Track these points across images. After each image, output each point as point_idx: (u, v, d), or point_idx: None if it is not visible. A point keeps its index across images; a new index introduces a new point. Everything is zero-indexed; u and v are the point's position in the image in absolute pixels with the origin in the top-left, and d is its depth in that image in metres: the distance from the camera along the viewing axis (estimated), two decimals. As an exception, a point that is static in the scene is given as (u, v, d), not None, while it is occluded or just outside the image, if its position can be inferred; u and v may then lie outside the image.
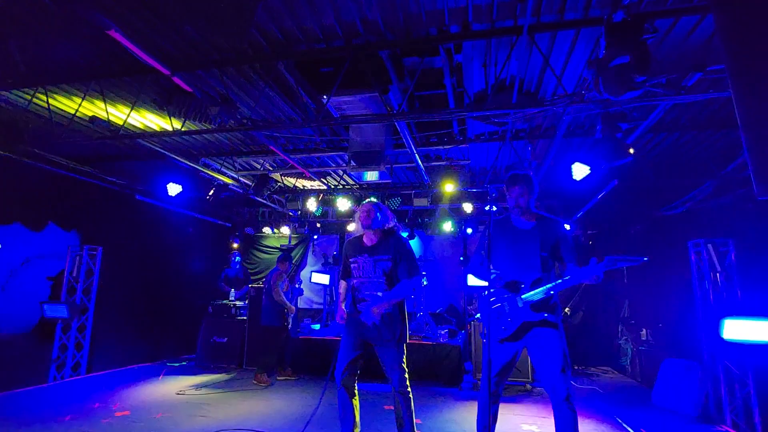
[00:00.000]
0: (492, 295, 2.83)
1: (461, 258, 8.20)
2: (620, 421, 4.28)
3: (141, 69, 3.90)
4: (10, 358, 5.44)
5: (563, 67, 3.58)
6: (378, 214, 3.10)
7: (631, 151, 2.92)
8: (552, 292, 2.69)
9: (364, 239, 3.19)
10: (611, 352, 7.54)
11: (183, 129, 4.25)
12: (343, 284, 3.42)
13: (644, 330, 6.70)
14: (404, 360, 3.11)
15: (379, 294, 3.04)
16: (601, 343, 7.65)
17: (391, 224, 3.18)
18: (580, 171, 5.03)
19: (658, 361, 5.30)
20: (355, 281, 3.17)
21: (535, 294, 2.70)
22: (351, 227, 9.00)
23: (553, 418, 2.67)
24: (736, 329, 3.88)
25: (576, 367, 7.04)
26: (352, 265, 3.21)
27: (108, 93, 4.29)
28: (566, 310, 7.35)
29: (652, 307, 6.46)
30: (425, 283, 7.23)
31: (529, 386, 5.61)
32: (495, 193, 3.40)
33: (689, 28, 3.08)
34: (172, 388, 5.41)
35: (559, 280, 2.64)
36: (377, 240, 3.13)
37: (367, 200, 3.24)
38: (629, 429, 4.04)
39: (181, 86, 4.07)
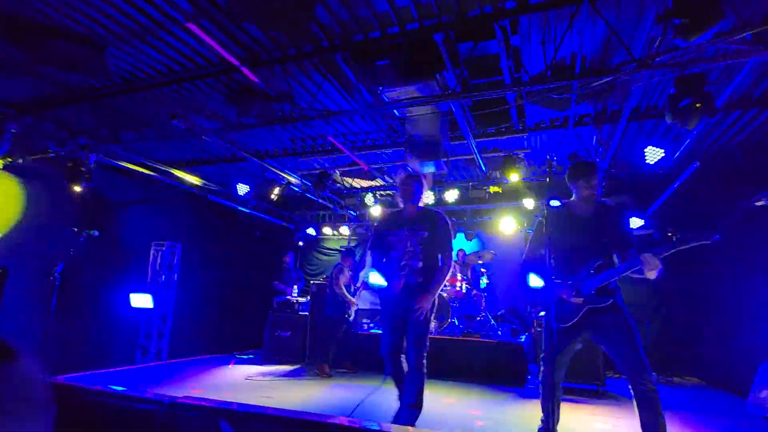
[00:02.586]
0: (554, 284, 2.74)
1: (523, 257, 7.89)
2: None
3: (213, 71, 4.27)
4: (105, 342, 6.08)
5: (630, 36, 3.37)
6: (417, 186, 3.11)
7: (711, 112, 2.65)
8: (618, 276, 2.60)
9: (404, 213, 3.17)
10: (697, 359, 6.81)
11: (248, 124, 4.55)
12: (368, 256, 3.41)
13: (738, 335, 5.99)
14: (425, 346, 2.96)
15: (415, 265, 2.99)
16: (684, 350, 6.94)
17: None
18: (653, 155, 4.68)
19: (752, 366, 4.70)
20: (393, 253, 3.08)
21: (600, 279, 2.62)
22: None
23: (627, 419, 2.49)
24: None
25: (656, 375, 6.42)
26: (391, 238, 3.10)
27: (184, 96, 4.74)
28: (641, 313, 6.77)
29: (744, 309, 5.76)
30: (485, 281, 7.06)
31: (600, 389, 5.21)
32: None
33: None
34: (241, 375, 5.72)
35: (627, 265, 2.55)
36: (417, 213, 3.11)
37: (405, 174, 3.22)
38: None
39: (248, 85, 4.40)
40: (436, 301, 3.06)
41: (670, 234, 2.41)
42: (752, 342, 5.50)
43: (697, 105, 2.65)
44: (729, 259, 6.00)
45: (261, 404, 4.26)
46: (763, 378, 4.38)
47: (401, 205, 3.20)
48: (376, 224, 3.30)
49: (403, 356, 3.07)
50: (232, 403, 1.92)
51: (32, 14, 3.59)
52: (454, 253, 3.17)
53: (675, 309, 7.07)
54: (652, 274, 2.39)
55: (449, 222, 3.14)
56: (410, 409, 2.93)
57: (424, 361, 2.94)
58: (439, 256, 3.08)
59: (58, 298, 4.27)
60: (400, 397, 3.08)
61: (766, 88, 4.09)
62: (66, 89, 4.73)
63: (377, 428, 1.59)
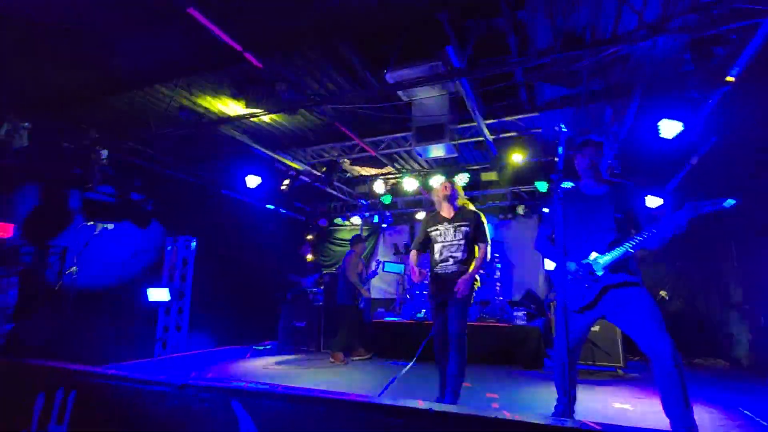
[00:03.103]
0: (567, 264, 2.68)
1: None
2: (748, 413, 3.64)
3: (219, 61, 4.27)
4: (124, 335, 6.21)
5: (643, 2, 3.23)
6: (453, 190, 3.68)
7: (730, 78, 2.53)
8: (632, 251, 2.53)
9: (443, 212, 3.69)
10: (721, 342, 6.63)
11: (257, 113, 4.54)
12: (413, 252, 3.78)
13: (763, 316, 5.82)
14: (465, 321, 3.41)
15: (457, 256, 3.50)
16: (708, 333, 6.76)
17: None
18: (670, 128, 4.52)
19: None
20: (437, 245, 3.62)
21: (613, 255, 2.56)
22: (420, 215, 9.04)
23: (646, 399, 2.42)
24: None
25: (677, 357, 6.28)
26: (433, 233, 3.67)
27: (193, 89, 4.75)
28: (662, 293, 6.63)
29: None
30: (498, 266, 6.99)
31: (620, 371, 5.13)
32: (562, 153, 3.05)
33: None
34: (258, 364, 5.80)
35: (639, 238, 2.50)
36: (455, 212, 3.64)
37: (444, 180, 3.82)
38: (762, 421, 3.41)
39: (254, 75, 4.39)
40: (475, 286, 3.50)
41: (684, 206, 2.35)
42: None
43: (715, 70, 2.53)
44: (751, 238, 5.81)
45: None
46: (789, 355, 4.23)
47: (438, 208, 3.73)
48: (421, 225, 3.81)
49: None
50: (242, 383, 1.93)
51: (40, 13, 3.62)
52: (488, 243, 3.58)
53: (696, 290, 6.90)
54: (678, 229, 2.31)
55: (485, 219, 3.66)
56: (454, 378, 3.34)
57: (465, 336, 3.37)
58: (477, 247, 3.56)
59: (77, 292, 4.36)
60: (441, 375, 3.51)
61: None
62: (77, 86, 4.78)
63: (386, 402, 1.56)
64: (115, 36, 3.96)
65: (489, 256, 3.57)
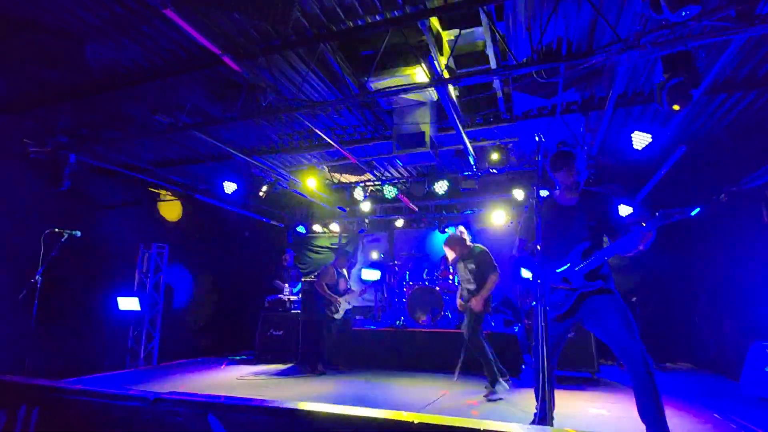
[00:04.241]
0: (544, 273, 2.73)
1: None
2: (717, 416, 3.73)
3: (196, 64, 4.18)
4: (92, 347, 5.94)
5: (617, 17, 3.34)
6: (459, 242, 4.60)
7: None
8: (606, 258, 2.61)
9: (457, 254, 4.66)
10: (691, 346, 6.87)
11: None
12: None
13: (727, 319, 6.06)
14: (479, 327, 4.40)
15: (470, 287, 4.45)
16: (678, 337, 7.00)
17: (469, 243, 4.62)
18: (640, 140, 4.69)
19: (741, 348, 4.75)
20: (458, 277, 4.75)
21: (588, 264, 2.63)
22: (399, 223, 9.05)
23: (621, 404, 2.48)
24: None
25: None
26: (453, 268, 4.95)
27: (168, 92, 4.63)
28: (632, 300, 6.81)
29: (734, 294, 5.82)
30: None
31: (595, 376, 5.22)
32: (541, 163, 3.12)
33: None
34: (233, 375, 5.63)
35: (612, 246, 2.59)
36: (465, 252, 4.60)
37: (451, 233, 4.78)
38: (739, 425, 3.48)
39: (232, 79, 4.31)
40: (490, 300, 4.44)
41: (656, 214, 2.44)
42: (740, 324, 5.56)
43: (685, 84, 2.64)
44: (716, 242, 6.06)
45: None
46: (753, 358, 4.41)
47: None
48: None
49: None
50: (218, 396, 1.86)
51: (6, 6, 3.47)
52: (497, 273, 4.42)
53: (665, 296, 7.12)
54: (642, 246, 2.41)
55: (489, 253, 4.55)
56: (487, 377, 4.36)
57: (476, 341, 4.38)
58: (487, 275, 4.41)
59: (41, 302, 4.14)
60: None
61: (750, 71, 4.11)
62: (46, 86, 4.59)
63: (365, 413, 1.53)
64: (90, 33, 3.83)
65: (496, 280, 4.41)
